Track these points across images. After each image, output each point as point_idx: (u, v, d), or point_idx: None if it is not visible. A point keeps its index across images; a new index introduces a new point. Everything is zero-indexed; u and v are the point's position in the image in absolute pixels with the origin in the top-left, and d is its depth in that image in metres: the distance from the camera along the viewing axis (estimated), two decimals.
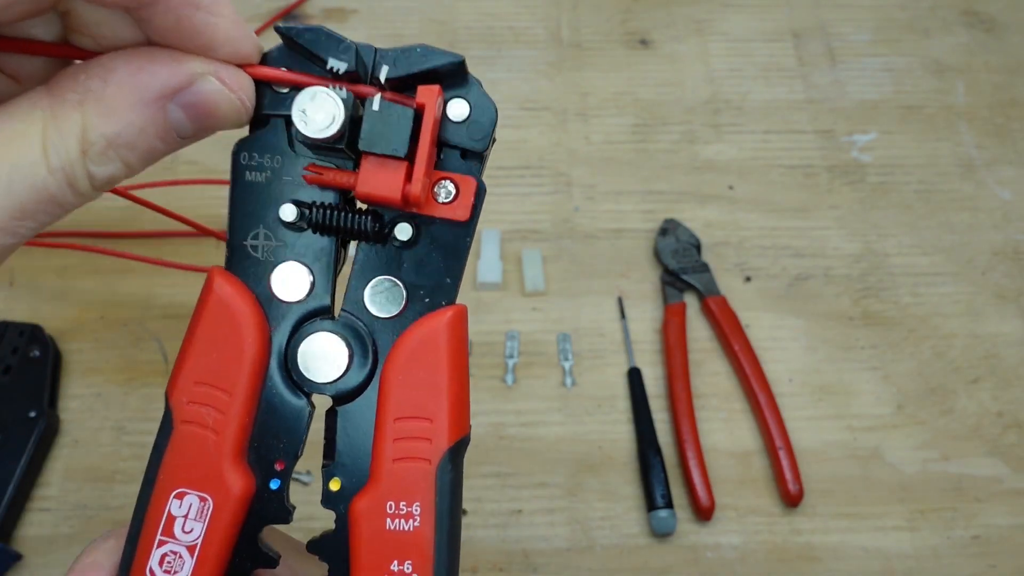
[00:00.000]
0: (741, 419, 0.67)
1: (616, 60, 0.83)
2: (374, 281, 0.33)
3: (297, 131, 0.31)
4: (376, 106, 0.30)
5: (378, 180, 0.31)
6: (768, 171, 0.77)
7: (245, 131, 0.33)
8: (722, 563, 0.62)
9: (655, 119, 0.80)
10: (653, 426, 0.65)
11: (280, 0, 0.84)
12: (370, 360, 0.33)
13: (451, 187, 0.33)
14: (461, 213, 0.33)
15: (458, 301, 0.34)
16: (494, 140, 0.33)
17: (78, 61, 0.29)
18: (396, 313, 0.33)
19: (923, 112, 0.81)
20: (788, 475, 0.63)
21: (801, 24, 0.85)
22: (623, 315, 0.70)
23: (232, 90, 0.29)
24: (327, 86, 0.31)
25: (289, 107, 0.31)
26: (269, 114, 0.33)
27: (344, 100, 0.30)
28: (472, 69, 0.33)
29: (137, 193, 0.45)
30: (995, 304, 0.72)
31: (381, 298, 0.33)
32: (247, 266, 0.33)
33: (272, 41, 0.32)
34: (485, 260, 0.71)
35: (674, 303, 0.70)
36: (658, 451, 0.64)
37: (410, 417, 0.32)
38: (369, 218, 0.33)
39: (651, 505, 0.63)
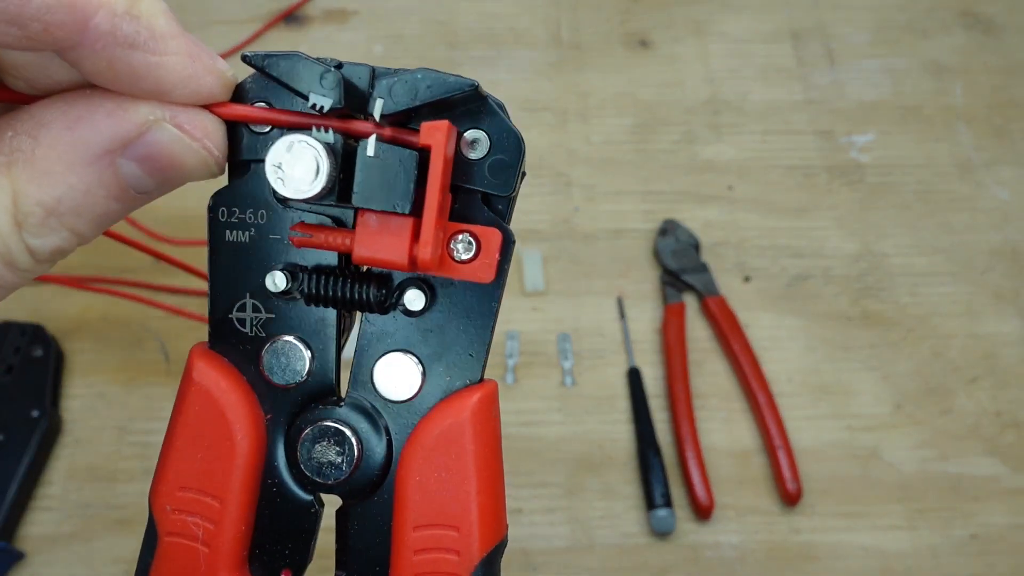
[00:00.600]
0: (740, 419, 0.67)
1: (616, 61, 0.83)
2: (384, 357, 0.28)
3: (274, 191, 0.25)
4: (371, 151, 0.25)
5: (379, 241, 0.25)
6: (767, 171, 0.78)
7: (224, 179, 0.28)
8: (721, 562, 0.62)
9: (655, 119, 0.80)
10: (653, 426, 0.66)
11: (281, 1, 0.84)
12: (384, 451, 0.28)
13: (471, 241, 0.27)
14: (484, 274, 0.27)
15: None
16: (523, 175, 0.28)
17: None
18: (412, 395, 0.28)
19: (922, 113, 0.81)
20: (787, 474, 0.64)
21: (800, 25, 0.85)
22: (623, 315, 0.71)
23: (194, 137, 0.25)
24: (311, 128, 0.25)
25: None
26: (248, 160, 0.27)
27: (329, 147, 0.25)
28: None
29: None
30: (994, 304, 0.72)
31: (393, 377, 0.28)
32: (235, 343, 0.28)
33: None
34: None
35: (674, 303, 0.70)
36: (658, 451, 0.65)
37: (433, 525, 0.27)
38: (372, 286, 0.27)
39: (651, 504, 0.63)
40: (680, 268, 0.71)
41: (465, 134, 0.27)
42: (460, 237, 0.27)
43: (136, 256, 0.70)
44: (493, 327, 0.28)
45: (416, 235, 0.25)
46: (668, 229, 0.73)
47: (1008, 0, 0.86)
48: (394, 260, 0.26)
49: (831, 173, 0.78)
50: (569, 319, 0.71)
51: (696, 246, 0.73)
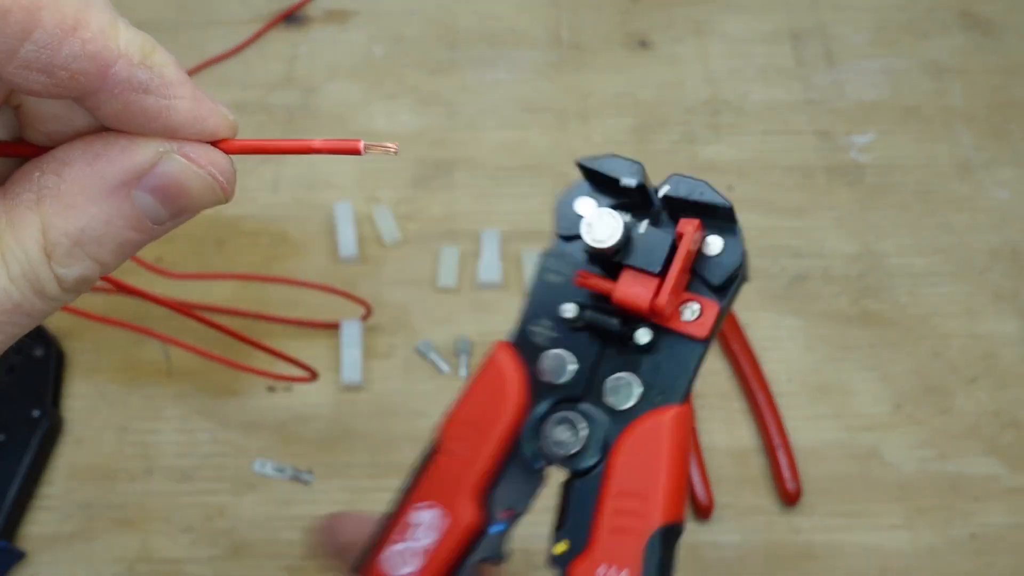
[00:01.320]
0: (740, 418, 0.68)
1: (616, 61, 0.83)
2: (615, 375, 0.38)
3: (583, 241, 0.36)
4: (642, 230, 0.37)
5: (632, 289, 0.36)
6: (767, 172, 0.78)
7: (551, 241, 0.40)
8: (721, 561, 0.63)
9: (655, 120, 0.80)
10: None
11: (282, 1, 0.84)
12: (602, 442, 0.38)
13: (696, 308, 0.37)
14: (700, 331, 0.37)
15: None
16: (745, 279, 0.38)
17: None
18: (631, 406, 0.38)
19: (921, 113, 0.81)
20: (786, 474, 0.64)
21: (800, 25, 0.85)
22: None
23: (200, 165, 0.27)
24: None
25: None
26: (570, 236, 0.39)
27: (627, 222, 0.36)
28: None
29: None
30: (993, 304, 0.72)
31: (619, 391, 0.38)
32: (526, 345, 0.40)
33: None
34: (485, 260, 0.72)
35: None
36: None
37: (628, 494, 0.36)
38: (619, 320, 0.38)
39: None
40: None
41: (710, 236, 0.37)
42: (690, 304, 0.37)
43: (136, 261, 0.71)
44: (697, 371, 0.37)
45: (658, 291, 0.36)
46: None
47: (1008, 0, 0.86)
48: (639, 303, 0.36)
49: (831, 173, 0.78)
50: None
51: None
